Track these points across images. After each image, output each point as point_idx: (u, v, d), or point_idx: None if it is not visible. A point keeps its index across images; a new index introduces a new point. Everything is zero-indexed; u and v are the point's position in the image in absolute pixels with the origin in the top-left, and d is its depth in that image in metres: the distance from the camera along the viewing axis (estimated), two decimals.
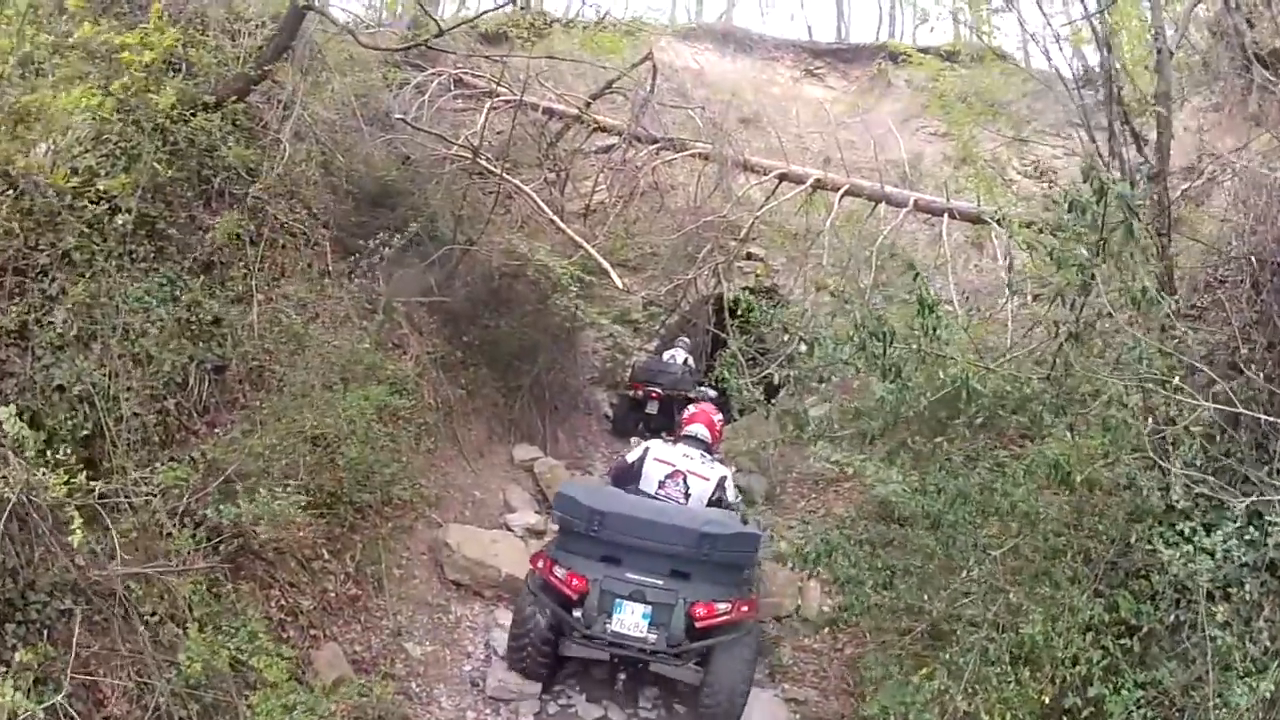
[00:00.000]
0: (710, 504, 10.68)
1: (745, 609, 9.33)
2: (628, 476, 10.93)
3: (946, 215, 16.84)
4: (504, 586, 12.30)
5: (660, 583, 9.09)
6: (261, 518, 8.47)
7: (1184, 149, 12.75)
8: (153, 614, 7.74)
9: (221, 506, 8.23)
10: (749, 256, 20.93)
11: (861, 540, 10.02)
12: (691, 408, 13.39)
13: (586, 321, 15.65)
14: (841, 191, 17.27)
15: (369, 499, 11.33)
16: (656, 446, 11.22)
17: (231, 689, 7.86)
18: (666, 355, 18.93)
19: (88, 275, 8.76)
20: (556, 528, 10.17)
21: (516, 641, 9.73)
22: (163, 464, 8.23)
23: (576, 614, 9.21)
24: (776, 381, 12.14)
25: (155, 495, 8.07)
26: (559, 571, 9.31)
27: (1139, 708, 7.01)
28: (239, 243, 10.82)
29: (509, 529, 13.87)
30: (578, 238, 14.78)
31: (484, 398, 15.73)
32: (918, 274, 7.52)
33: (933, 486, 8.52)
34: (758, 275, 20.71)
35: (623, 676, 9.88)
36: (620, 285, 14.74)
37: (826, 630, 11.43)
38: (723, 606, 9.08)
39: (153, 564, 7.88)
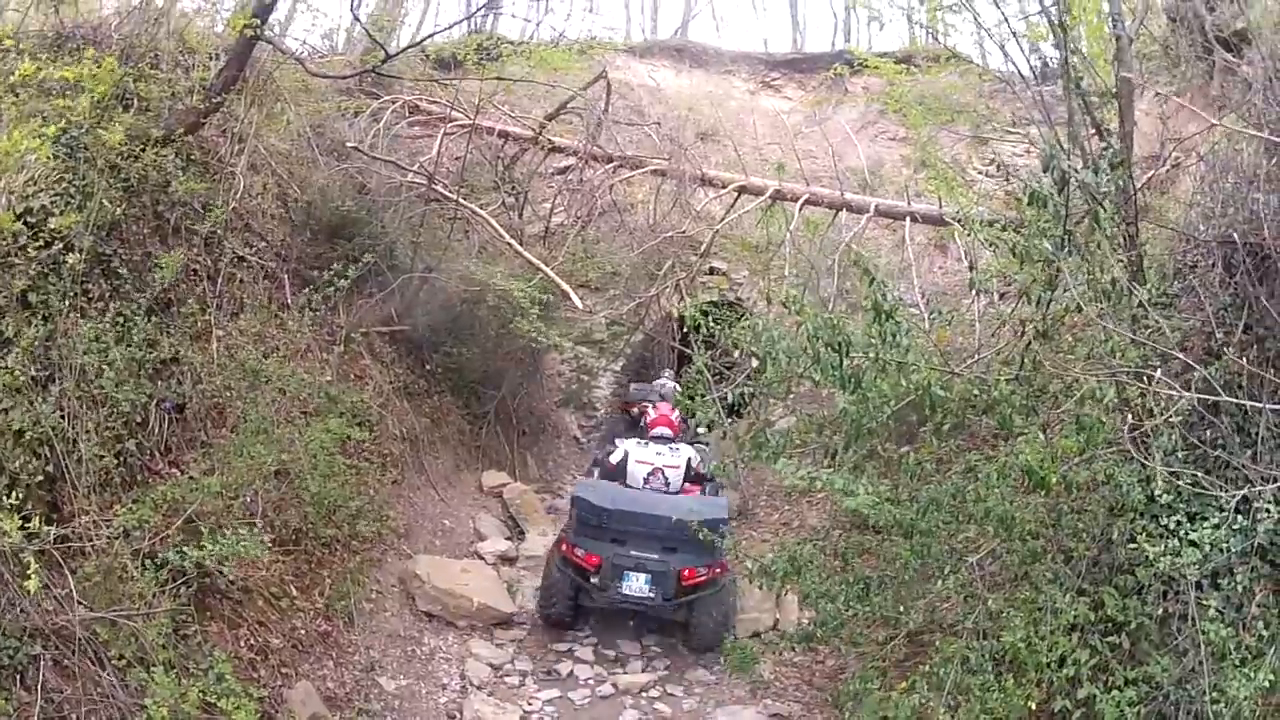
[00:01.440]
0: (686, 479, 13.29)
1: (719, 570, 11.83)
2: (615, 475, 13.22)
3: (909, 219, 16.84)
4: (477, 616, 12.28)
5: (656, 556, 11.64)
6: (226, 559, 8.45)
7: (1147, 138, 12.73)
8: (120, 658, 7.66)
9: (185, 549, 8.15)
10: (711, 271, 20.84)
11: (836, 551, 10.26)
12: (652, 412, 15.16)
13: (550, 344, 15.61)
14: (801, 201, 17.26)
15: (335, 533, 11.26)
16: (634, 449, 13.46)
17: None
18: (657, 383, 18.72)
19: (42, 317, 8.68)
20: (574, 518, 12.27)
21: (547, 597, 12.31)
22: (125, 505, 8.21)
23: (593, 580, 11.80)
24: (739, 398, 12.14)
25: (117, 538, 8.03)
26: (579, 551, 11.84)
27: (1132, 705, 6.90)
28: (196, 278, 10.86)
29: (480, 557, 13.82)
30: (536, 261, 14.74)
31: (450, 425, 15.69)
32: (873, 279, 7.40)
33: (904, 495, 8.50)
34: (720, 290, 20.73)
35: (631, 622, 12.67)
36: (581, 306, 14.73)
37: (806, 644, 11.39)
38: (703, 570, 11.68)
39: (116, 608, 7.80)
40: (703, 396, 12.45)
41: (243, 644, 9.42)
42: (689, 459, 13.35)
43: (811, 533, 13.58)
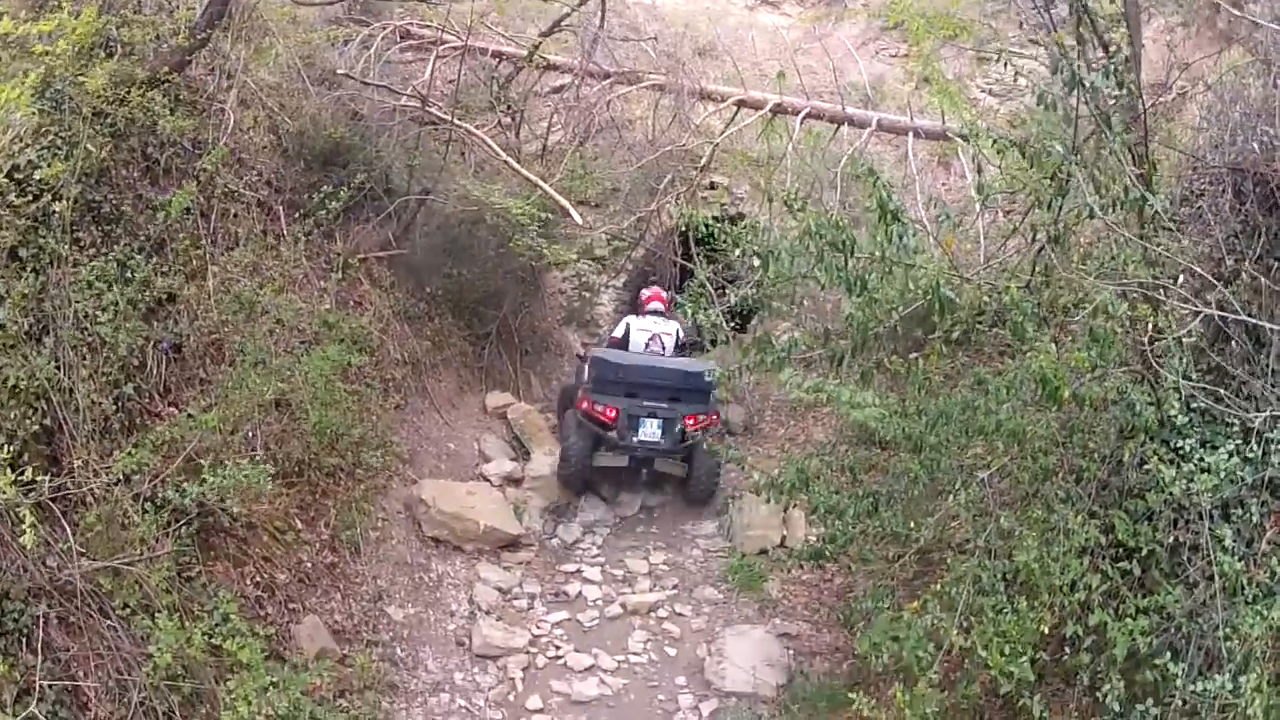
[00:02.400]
0: (678, 345, 14.56)
1: (714, 418, 13.53)
2: (621, 344, 14.38)
3: (911, 134, 16.36)
4: (484, 539, 12.10)
5: (664, 405, 13.09)
6: (227, 492, 8.18)
7: (1154, 66, 12.41)
8: (123, 607, 7.44)
9: (185, 485, 7.89)
10: (712, 186, 20.15)
11: (844, 466, 9.93)
12: (645, 291, 15.54)
13: (550, 262, 15.31)
14: (802, 115, 16.75)
15: (339, 463, 11.03)
16: (634, 321, 14.68)
17: (209, 676, 7.64)
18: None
19: (33, 270, 8.32)
20: (590, 379, 13.52)
21: (565, 459, 13.42)
22: (124, 451, 7.93)
23: (611, 433, 13.04)
24: (743, 308, 13.37)
25: (117, 484, 7.78)
26: (598, 407, 13.06)
27: (1144, 635, 6.56)
28: (187, 215, 10.36)
29: (485, 479, 13.56)
30: (533, 177, 14.26)
31: (452, 348, 15.34)
32: (876, 179, 7.02)
33: (912, 408, 8.26)
34: (721, 204, 19.92)
35: (644, 474, 13.62)
36: (580, 222, 14.36)
37: (814, 562, 11.17)
38: (701, 417, 13.16)
39: (118, 556, 7.57)
40: (705, 309, 12.30)
41: (249, 582, 9.22)
42: (677, 329, 14.59)
43: (818, 448, 13.33)
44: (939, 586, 7.45)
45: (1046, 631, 6.99)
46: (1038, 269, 7.79)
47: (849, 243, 7.01)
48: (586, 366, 14.04)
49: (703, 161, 17.65)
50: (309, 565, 10.16)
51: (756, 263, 7.59)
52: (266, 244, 11.58)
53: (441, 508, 12.02)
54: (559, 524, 13.30)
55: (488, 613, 11.07)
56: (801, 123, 16.66)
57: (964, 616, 7.16)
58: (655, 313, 14.80)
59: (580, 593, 11.84)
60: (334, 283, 12.24)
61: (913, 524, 8.24)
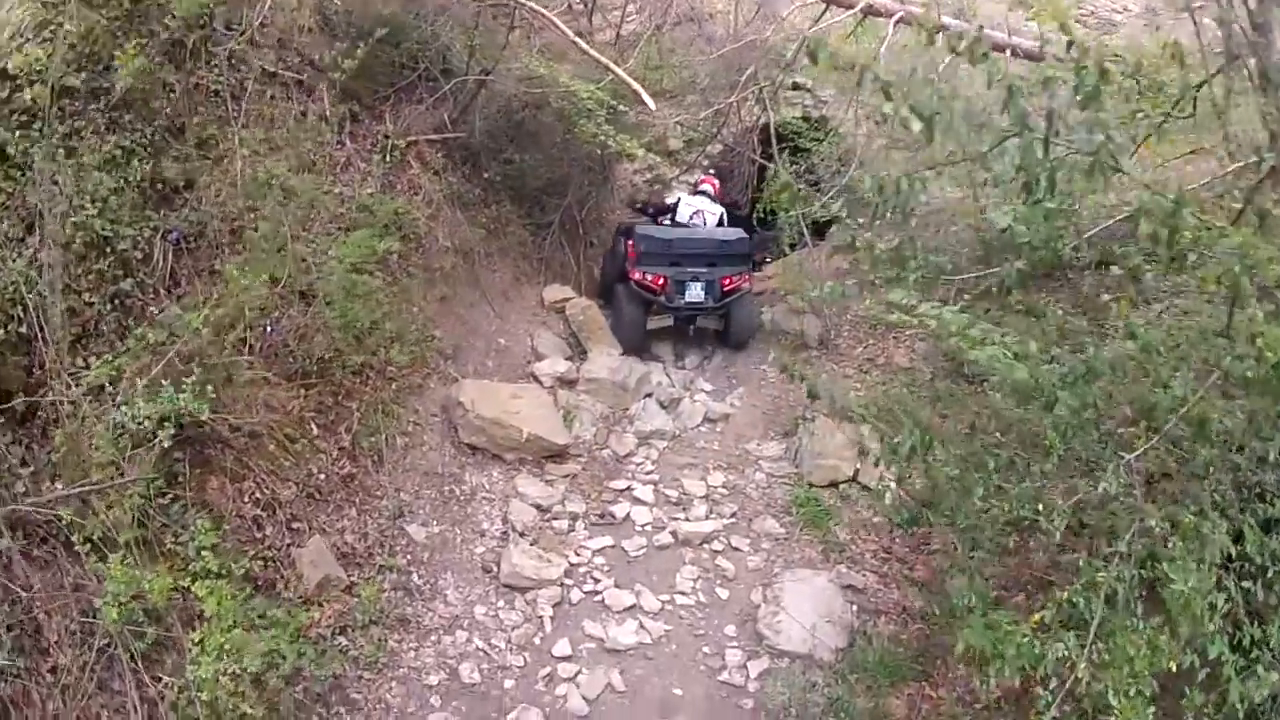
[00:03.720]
0: (719, 223, 14.77)
1: (747, 279, 14.11)
2: (666, 211, 14.82)
3: (1008, 52, 14.55)
4: (526, 449, 10.68)
5: (705, 270, 13.68)
6: (210, 401, 7.02)
7: None
8: (85, 541, 6.23)
9: (162, 395, 6.52)
10: (795, 87, 18.38)
11: (936, 397, 9.33)
12: (700, 174, 16.29)
13: (618, 152, 13.81)
14: (895, 18, 14.97)
15: (367, 360, 9.79)
16: (685, 196, 15.07)
17: (176, 622, 6.32)
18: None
19: (20, 167, 7.55)
20: (639, 253, 13.76)
21: (624, 327, 13.75)
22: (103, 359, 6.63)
23: (661, 297, 13.62)
24: (830, 215, 11.40)
25: (88, 397, 6.47)
26: (648, 276, 13.57)
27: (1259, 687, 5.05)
28: (217, 100, 9.55)
29: (536, 379, 12.15)
30: (604, 59, 12.67)
31: (509, 237, 13.86)
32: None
33: (1061, 356, 6.25)
34: (805, 105, 18.37)
35: (692, 329, 14.22)
36: (653, 106, 12.78)
37: (891, 503, 9.62)
38: (736, 277, 13.82)
39: (84, 482, 6.24)
40: (787, 212, 13.44)
41: (247, 499, 7.99)
42: (722, 213, 14.87)
43: (899, 373, 11.90)
44: (1065, 596, 5.69)
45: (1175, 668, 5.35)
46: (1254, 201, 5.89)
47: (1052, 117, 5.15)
48: (629, 241, 14.18)
49: (789, 55, 15.78)
50: (321, 478, 8.90)
51: (916, 126, 5.40)
52: (306, 126, 10.51)
53: (481, 412, 10.53)
54: (612, 433, 11.75)
55: (523, 534, 9.66)
56: (895, 26, 14.78)
57: (1093, 646, 5.44)
58: (705, 194, 15.23)
59: (629, 515, 10.34)
60: (377, 165, 11.12)
61: (1041, 507, 6.23)
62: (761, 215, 14.80)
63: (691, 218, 14.63)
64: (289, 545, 8.10)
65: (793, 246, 14.49)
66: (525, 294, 13.76)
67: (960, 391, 9.31)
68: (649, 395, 12.59)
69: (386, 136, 11.70)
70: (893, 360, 12.52)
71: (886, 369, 12.39)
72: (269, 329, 8.60)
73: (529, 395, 11.37)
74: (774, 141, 14.44)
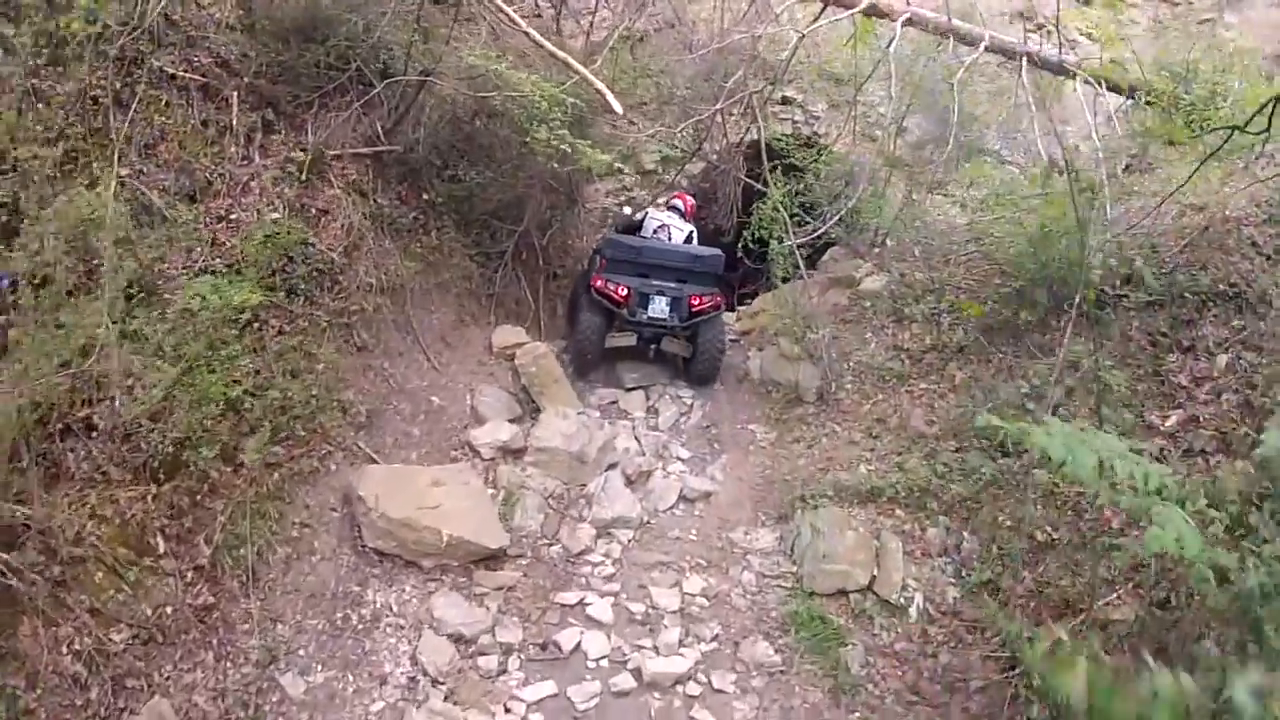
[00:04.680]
0: (686, 242, 13.22)
1: (718, 299, 12.39)
2: (632, 228, 13.34)
3: (1024, 60, 12.01)
4: (449, 554, 8.03)
5: (672, 285, 12.22)
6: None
7: None
8: None
9: None
10: (784, 101, 16.50)
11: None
12: (667, 191, 14.38)
13: (586, 169, 11.53)
14: (902, 19, 12.36)
15: (236, 443, 7.31)
16: (652, 211, 13.54)
17: None
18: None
19: None
20: (604, 261, 12.38)
21: (578, 342, 12.15)
22: None
23: (623, 310, 12.06)
24: (817, 241, 12.05)
25: None
26: (611, 286, 12.05)
27: None
28: (95, 108, 7.80)
29: (473, 450, 9.55)
30: (562, 54, 10.05)
31: (453, 269, 11.28)
32: None
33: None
34: (795, 121, 16.42)
35: (652, 351, 12.45)
36: (619, 110, 10.02)
37: (916, 623, 7.18)
38: (707, 298, 12.23)
39: None
40: (779, 240, 11.64)
41: (65, 650, 5.50)
42: (691, 231, 13.48)
43: (918, 442, 9.49)
44: None
45: None
46: None
47: None
48: (600, 251, 12.93)
49: (785, 56, 13.20)
50: (168, 612, 6.35)
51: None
52: (205, 138, 8.72)
53: (388, 511, 7.86)
54: (564, 521, 9.10)
55: (436, 681, 7.01)
56: (901, 28, 12.22)
57: None
58: (674, 209, 13.77)
59: (579, 645, 7.64)
60: (289, 185, 9.09)
61: None
62: (749, 243, 12.26)
63: (655, 232, 13.24)
64: (121, 712, 5.65)
65: (785, 279, 12.07)
66: (470, 338, 11.18)
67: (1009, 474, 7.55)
68: (613, 466, 9.97)
69: (304, 150, 9.47)
70: (908, 422, 9.91)
71: (901, 433, 9.79)
72: (116, 402, 6.09)
73: (455, 480, 8.68)
74: (764, 158, 11.95)
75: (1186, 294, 8.78)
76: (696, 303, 12.22)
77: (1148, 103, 10.90)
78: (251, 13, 9.87)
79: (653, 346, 12.44)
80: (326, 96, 10.06)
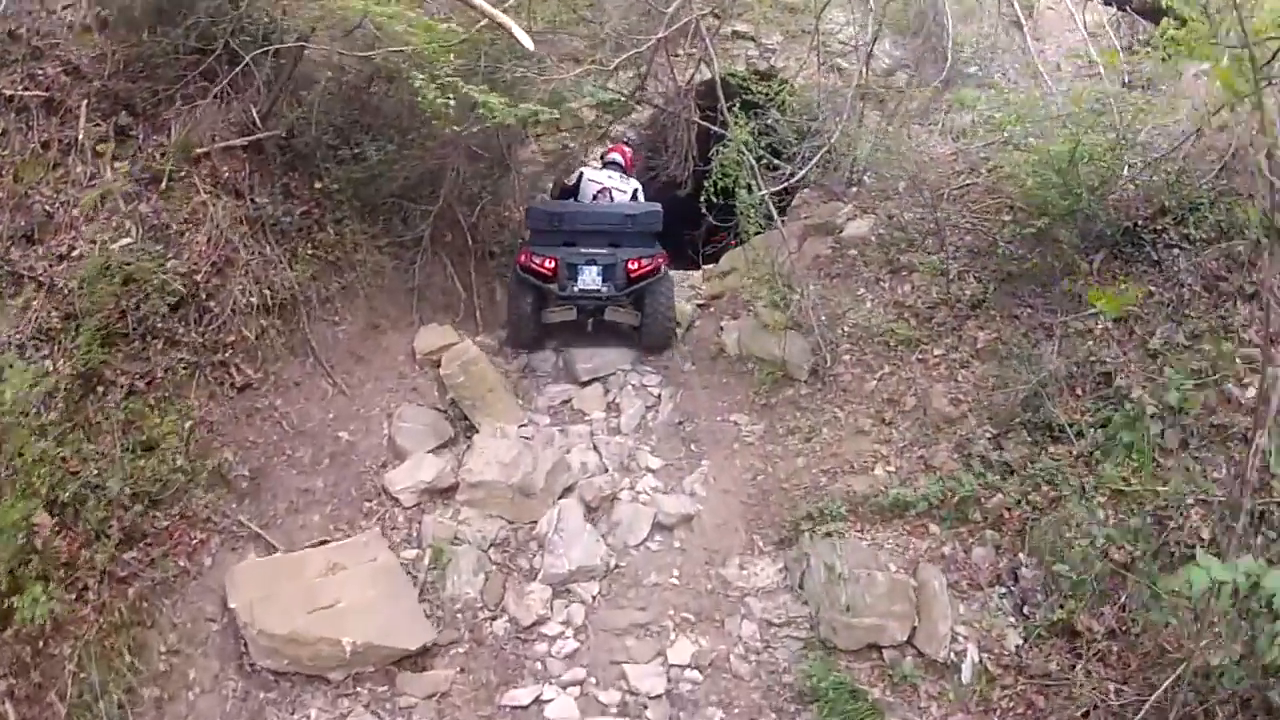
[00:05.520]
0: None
1: (660, 260, 10.91)
2: (569, 193, 11.83)
3: None
4: (360, 662, 6.01)
5: (604, 250, 10.79)
6: None
7: None
8: None
9: None
10: (735, 36, 14.74)
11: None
12: (608, 143, 13.12)
13: (518, 125, 9.54)
14: None
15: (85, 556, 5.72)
16: (589, 171, 11.98)
17: None
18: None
19: None
20: (530, 231, 11.12)
21: (514, 319, 10.86)
22: None
23: (552, 285, 10.60)
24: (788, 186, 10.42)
25: None
26: (536, 259, 10.66)
27: None
28: None
29: (390, 497, 7.49)
30: None
31: (359, 267, 9.24)
32: None
33: None
34: (748, 57, 14.66)
35: (589, 324, 10.87)
36: (529, 44, 7.91)
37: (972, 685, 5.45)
38: (646, 260, 10.77)
39: None
40: (748, 188, 9.37)
41: None
42: (636, 188, 11.90)
43: (946, 426, 7.70)
44: None
45: None
46: None
47: None
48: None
49: None
50: None
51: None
52: (45, 162, 7.53)
53: (266, 626, 5.90)
54: (509, 581, 7.08)
55: None
56: None
57: None
58: (613, 164, 12.24)
59: None
60: (146, 199, 7.71)
61: None
62: (710, 195, 9.97)
63: (595, 197, 11.67)
64: None
65: (757, 233, 9.90)
66: (388, 346, 9.17)
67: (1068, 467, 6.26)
68: (569, 492, 8.00)
69: (164, 154, 7.98)
70: (928, 402, 7.91)
71: (921, 417, 7.82)
72: None
73: (358, 559, 6.72)
74: (721, 95, 9.91)
75: (1242, 229, 7.25)
76: (634, 267, 10.81)
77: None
78: (105, 6, 8.50)
79: (590, 320, 11.00)
80: (190, 85, 8.51)
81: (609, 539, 7.52)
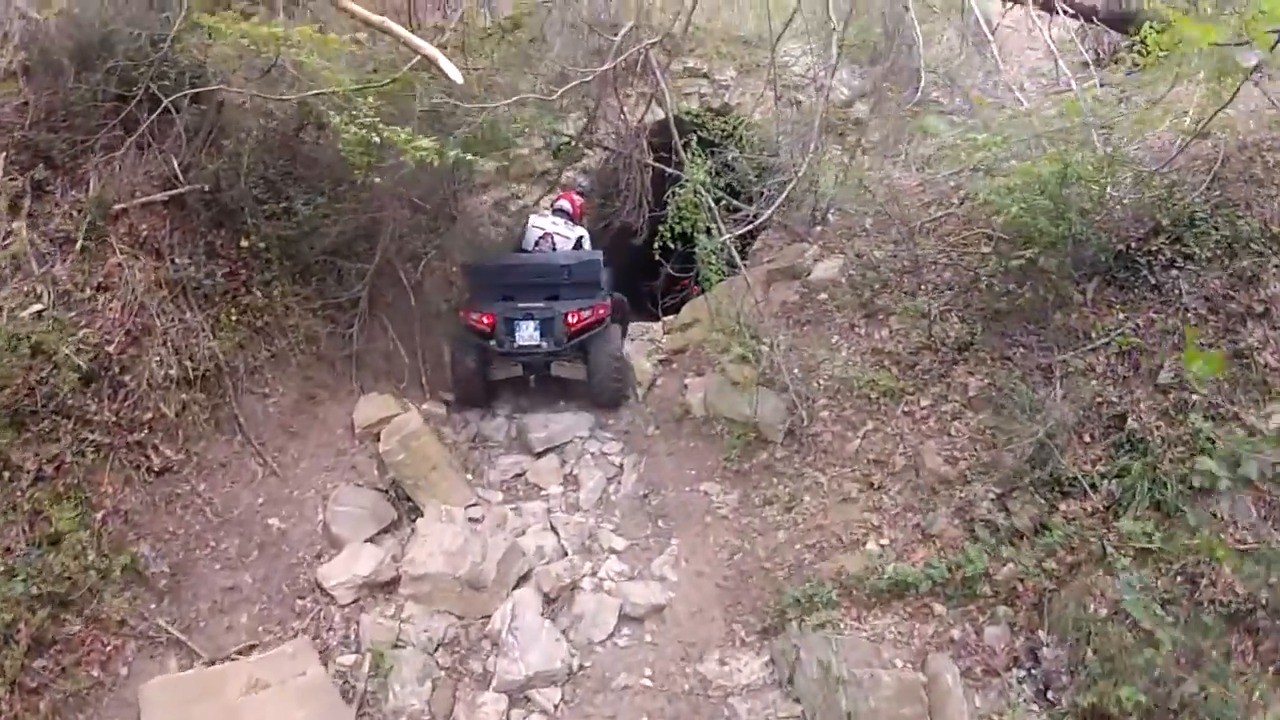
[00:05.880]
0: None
1: (602, 310, 10.58)
2: (517, 245, 11.55)
3: None
4: None
5: (541, 304, 10.45)
6: None
7: None
8: None
9: None
10: (688, 73, 14.32)
11: None
12: (558, 190, 12.85)
13: (469, 175, 10.79)
14: None
15: None
16: (534, 218, 11.82)
17: None
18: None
19: None
20: (469, 287, 10.96)
21: (459, 378, 10.53)
22: None
23: (491, 342, 10.28)
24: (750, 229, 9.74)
25: None
26: (474, 315, 10.38)
27: None
28: None
29: (321, 593, 6.70)
30: (374, 17, 7.51)
31: (292, 332, 8.50)
32: None
33: None
34: (701, 93, 14.33)
35: (532, 381, 10.55)
36: (456, 77, 7.42)
37: None
38: (586, 311, 10.44)
39: None
40: (708, 232, 8.97)
41: None
42: (580, 235, 11.64)
43: (942, 487, 6.98)
44: None
45: None
46: None
47: None
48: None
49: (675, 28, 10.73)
50: None
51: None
52: None
53: None
54: (459, 691, 6.26)
55: None
56: None
57: None
58: (560, 212, 11.90)
59: None
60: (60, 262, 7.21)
61: None
62: (667, 241, 9.38)
63: (537, 244, 11.48)
64: None
65: (720, 279, 9.35)
66: (325, 418, 8.40)
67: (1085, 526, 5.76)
68: (524, 580, 7.21)
69: (80, 210, 7.46)
70: (920, 461, 7.16)
71: (914, 479, 7.10)
72: None
73: (283, 673, 5.96)
74: (675, 132, 9.87)
75: (1246, 243, 6.74)
76: (574, 320, 10.43)
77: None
78: (28, 51, 8.06)
79: (533, 377, 10.65)
80: (110, 134, 7.91)
81: (571, 635, 6.72)
